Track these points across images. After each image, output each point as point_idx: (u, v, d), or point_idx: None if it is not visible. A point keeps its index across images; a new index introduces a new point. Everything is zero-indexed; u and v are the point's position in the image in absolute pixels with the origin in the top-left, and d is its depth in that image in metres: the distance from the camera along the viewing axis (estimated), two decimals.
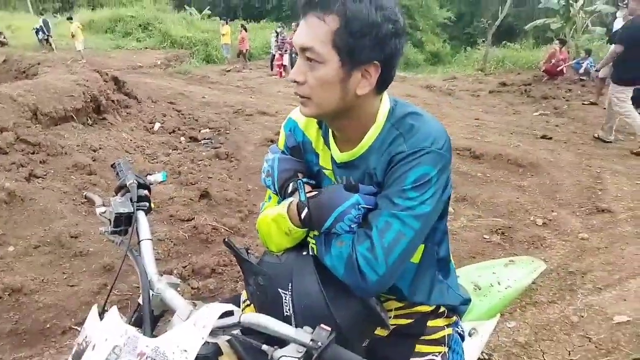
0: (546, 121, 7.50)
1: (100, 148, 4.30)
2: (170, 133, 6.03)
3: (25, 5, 27.88)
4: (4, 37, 16.80)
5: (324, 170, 1.17)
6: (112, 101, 5.68)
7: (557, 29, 13.77)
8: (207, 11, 25.73)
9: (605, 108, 7.82)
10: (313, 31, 0.93)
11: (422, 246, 1.10)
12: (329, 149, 1.14)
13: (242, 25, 17.10)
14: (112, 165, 1.23)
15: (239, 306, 1.26)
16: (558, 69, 10.91)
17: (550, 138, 6.17)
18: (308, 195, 1.05)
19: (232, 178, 4.76)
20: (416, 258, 1.11)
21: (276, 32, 15.43)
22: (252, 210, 4.01)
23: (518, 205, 4.00)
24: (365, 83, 0.97)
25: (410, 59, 22.25)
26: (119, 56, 15.87)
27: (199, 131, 6.37)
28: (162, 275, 0.94)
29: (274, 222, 1.09)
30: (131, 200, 1.07)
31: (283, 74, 14.04)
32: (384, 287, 0.97)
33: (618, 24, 7.68)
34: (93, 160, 4.07)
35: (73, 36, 14.54)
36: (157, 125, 6.05)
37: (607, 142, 5.91)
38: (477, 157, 5.21)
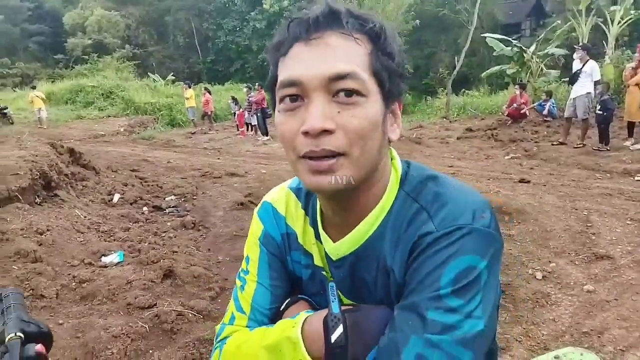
0: (519, 164, 7.46)
1: (48, 230, 3.83)
2: (131, 204, 5.59)
3: None
4: (10, 113, 16.04)
5: (323, 273, 0.82)
6: (66, 175, 5.26)
7: (513, 74, 14.30)
8: (170, 77, 25.94)
9: (575, 147, 7.92)
10: (345, 53, 0.63)
11: None
12: (321, 242, 0.79)
13: (206, 88, 17.15)
14: None
15: None
16: (521, 112, 11.16)
17: (529, 182, 6.06)
18: (343, 308, 0.69)
19: (200, 250, 4.34)
20: None
21: (232, 97, 15.85)
22: (223, 286, 3.58)
23: (512, 258, 3.72)
24: (394, 125, 0.70)
25: None
26: (80, 126, 15.50)
27: (164, 199, 5.96)
28: None
29: (270, 352, 0.71)
30: None
31: (246, 132, 13.97)
32: None
33: (576, 65, 7.93)
34: (39, 245, 3.59)
35: (32, 103, 14.92)
36: (116, 197, 5.61)
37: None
38: None
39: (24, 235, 3.68)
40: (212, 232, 4.85)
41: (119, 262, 3.65)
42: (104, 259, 3.67)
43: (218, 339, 0.85)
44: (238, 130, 14.77)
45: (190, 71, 35.96)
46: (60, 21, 37.03)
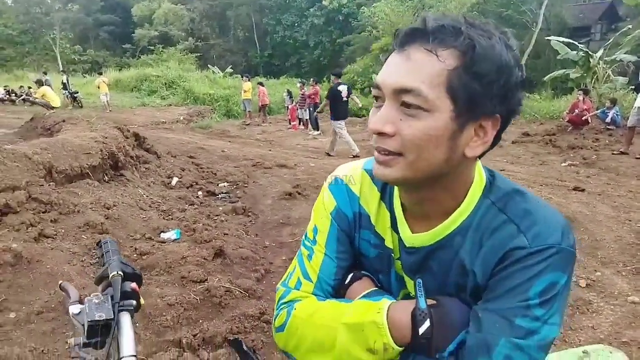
0: (576, 172, 7.20)
1: (114, 205, 4.19)
2: (187, 187, 5.93)
3: (56, 67, 29.41)
4: (80, 97, 17.41)
5: (392, 255, 0.88)
6: (131, 157, 5.65)
7: (577, 78, 13.69)
8: (229, 69, 26.71)
9: (637, 157, 7.55)
10: (418, 68, 0.68)
11: None
12: (396, 230, 0.85)
13: (260, 83, 17.58)
14: (97, 244, 1.01)
15: None
16: (583, 118, 10.69)
17: (583, 190, 5.86)
18: (430, 303, 0.77)
19: (249, 234, 4.57)
20: None
21: (288, 90, 16.02)
22: (268, 269, 3.78)
23: None
24: (478, 142, 0.72)
25: None
26: (143, 112, 16.32)
27: (217, 185, 6.27)
28: None
29: (351, 330, 0.78)
30: (112, 299, 0.82)
31: (298, 127, 14.22)
32: None
33: None
34: (106, 218, 3.94)
35: (99, 88, 16.21)
36: (174, 180, 5.97)
37: None
38: None
39: (93, 209, 4.04)
40: (261, 218, 5.07)
41: (175, 239, 3.93)
42: (162, 235, 3.97)
43: (284, 300, 0.90)
44: (290, 124, 15.08)
45: (248, 64, 36.86)
46: (129, 12, 39.03)
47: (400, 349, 0.75)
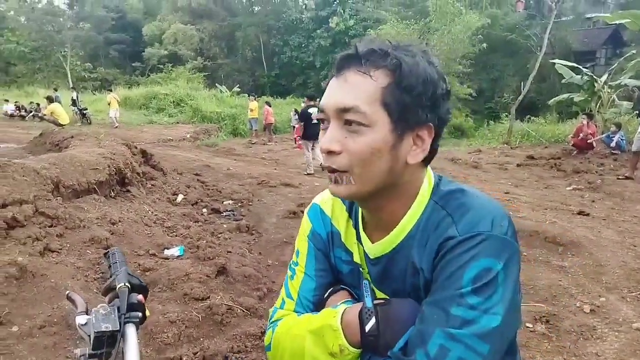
0: (581, 196, 7.19)
1: (119, 221, 4.22)
2: (192, 205, 5.97)
3: (66, 83, 29.85)
4: (89, 114, 17.64)
5: (361, 269, 0.93)
6: (138, 174, 5.71)
7: (581, 102, 13.75)
8: (236, 88, 27.03)
9: None
10: (355, 89, 0.75)
11: None
12: (361, 242, 0.91)
13: (267, 102, 17.75)
14: (104, 254, 1.03)
15: None
16: (588, 142, 10.70)
17: (588, 214, 5.84)
18: (376, 302, 0.81)
19: (252, 252, 4.58)
20: None
21: (295, 110, 16.09)
22: (270, 288, 3.78)
23: (561, 289, 3.65)
24: (417, 150, 0.79)
25: None
26: (151, 130, 16.50)
27: (222, 203, 6.30)
28: None
29: (314, 336, 0.83)
30: (119, 310, 0.84)
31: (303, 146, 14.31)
32: None
33: None
34: (111, 234, 3.97)
35: (109, 104, 16.59)
36: (180, 197, 6.02)
37: None
38: None
39: (99, 224, 4.07)
40: (264, 237, 5.08)
41: (179, 256, 3.95)
42: (166, 251, 3.98)
43: (271, 320, 0.98)
44: (295, 143, 15.17)
45: (255, 84, 37.27)
46: (140, 31, 39.77)
47: (357, 350, 0.79)
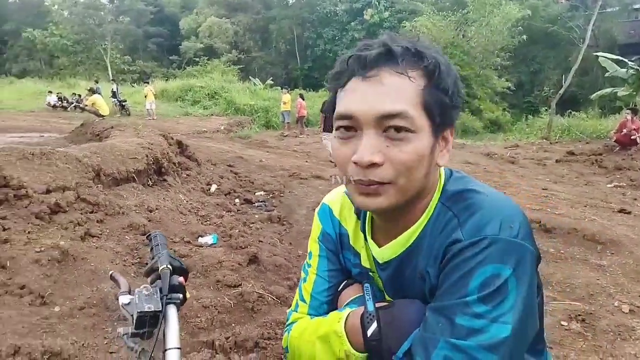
0: (622, 194, 6.91)
1: (156, 209, 4.35)
2: (225, 195, 6.08)
3: (106, 76, 30.79)
4: (128, 105, 18.22)
5: (370, 274, 0.91)
6: (174, 163, 5.86)
7: (625, 97, 13.16)
8: (269, 81, 27.21)
9: None
10: (397, 92, 0.69)
11: None
12: (368, 245, 0.89)
13: (300, 95, 17.80)
14: (147, 237, 1.06)
15: None
16: (632, 138, 10.25)
17: (629, 212, 5.61)
18: (378, 305, 0.79)
19: (283, 242, 4.63)
20: None
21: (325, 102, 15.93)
22: (300, 277, 3.82)
23: (599, 288, 3.53)
24: (444, 151, 0.76)
25: (468, 126, 21.92)
26: (187, 122, 16.85)
27: (254, 194, 6.40)
28: None
29: (322, 342, 0.82)
30: (161, 291, 0.86)
31: None
32: None
33: None
34: (148, 221, 4.09)
35: (145, 97, 16.99)
36: (213, 187, 6.14)
37: None
38: (548, 230, 4.77)
39: (137, 211, 4.21)
40: (295, 228, 5.13)
41: (212, 244, 4.04)
42: (200, 239, 4.08)
43: (287, 323, 1.00)
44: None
45: (288, 77, 37.45)
46: (177, 25, 40.52)
47: (362, 355, 0.76)
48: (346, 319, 0.81)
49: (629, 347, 2.77)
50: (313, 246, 1.02)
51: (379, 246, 0.85)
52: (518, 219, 0.72)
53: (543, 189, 7.09)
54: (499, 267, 0.68)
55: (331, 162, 10.00)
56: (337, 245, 0.97)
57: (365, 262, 0.91)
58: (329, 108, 0.80)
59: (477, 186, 0.79)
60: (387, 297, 0.90)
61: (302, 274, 1.02)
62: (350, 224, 0.94)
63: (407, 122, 0.69)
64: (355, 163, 0.72)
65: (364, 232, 0.91)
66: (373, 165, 0.70)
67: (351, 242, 0.94)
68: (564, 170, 9.24)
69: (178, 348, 0.80)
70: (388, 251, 0.84)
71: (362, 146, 0.71)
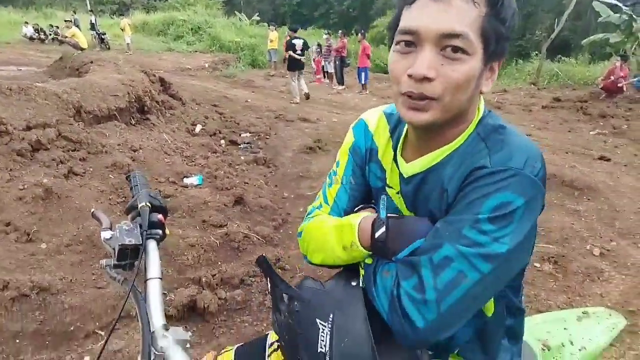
0: (604, 141, 7.03)
1: (140, 148, 4.30)
2: (211, 135, 6.02)
3: (84, 6, 29.21)
4: (107, 38, 17.40)
5: (387, 189, 0.97)
6: (157, 102, 5.73)
7: (616, 43, 13.01)
8: (256, 17, 26.15)
9: None
10: (462, 14, 0.72)
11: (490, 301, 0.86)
12: (397, 163, 0.94)
13: (291, 28, 17.08)
14: (126, 177, 1.09)
15: (263, 351, 1.09)
16: (618, 85, 10.26)
17: (609, 160, 5.74)
18: (390, 215, 0.86)
19: (269, 184, 4.67)
20: (489, 309, 0.88)
21: (318, 44, 15.21)
22: (285, 219, 3.89)
23: (573, 232, 3.68)
24: (489, 79, 0.81)
25: None
26: (170, 58, 16.29)
27: (239, 135, 6.35)
28: (168, 328, 0.74)
29: (335, 230, 0.91)
30: (141, 227, 0.89)
31: (323, 80, 13.93)
32: (432, 337, 0.75)
33: None
34: (132, 160, 4.06)
35: (122, 30, 16.56)
36: (198, 127, 6.06)
37: None
38: None
39: (120, 150, 4.17)
40: (281, 170, 5.16)
41: (198, 185, 4.05)
42: (185, 180, 4.09)
43: (308, 216, 1.07)
44: (315, 76, 14.86)
45: (275, 12, 36.00)
46: None
47: (364, 250, 0.85)
48: (361, 218, 0.89)
49: (596, 288, 2.93)
50: (342, 156, 1.06)
51: (407, 162, 0.92)
52: (540, 161, 0.78)
53: (527, 135, 7.14)
54: (514, 196, 0.73)
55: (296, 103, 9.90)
56: (364, 160, 1.02)
57: (390, 180, 0.96)
58: (392, 23, 0.83)
59: (509, 126, 0.85)
60: (404, 211, 0.97)
61: (328, 179, 1.09)
62: (382, 140, 0.98)
63: (465, 44, 0.73)
64: (409, 76, 0.76)
65: (394, 149, 0.95)
66: (426, 79, 0.74)
67: (379, 157, 0.99)
68: (549, 116, 9.29)
69: (159, 278, 0.84)
70: (414, 166, 0.89)
71: (420, 60, 0.74)
